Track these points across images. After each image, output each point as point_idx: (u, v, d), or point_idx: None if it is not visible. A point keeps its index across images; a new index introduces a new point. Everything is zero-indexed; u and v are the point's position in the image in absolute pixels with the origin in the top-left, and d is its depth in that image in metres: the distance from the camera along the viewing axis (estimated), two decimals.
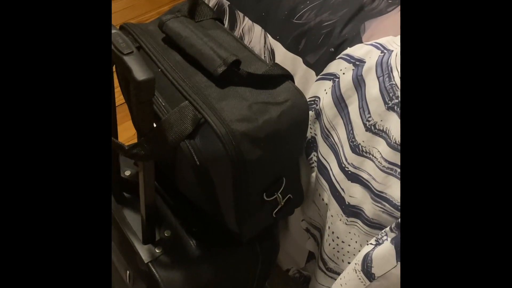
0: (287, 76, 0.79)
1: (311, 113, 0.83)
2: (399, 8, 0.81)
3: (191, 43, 0.77)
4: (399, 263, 0.69)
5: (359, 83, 0.77)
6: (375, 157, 0.76)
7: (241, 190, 0.76)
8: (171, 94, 0.75)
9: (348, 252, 0.85)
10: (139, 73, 0.63)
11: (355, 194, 0.80)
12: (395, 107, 0.73)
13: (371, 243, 0.75)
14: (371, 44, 0.78)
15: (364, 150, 0.77)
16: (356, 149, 0.78)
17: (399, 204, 0.73)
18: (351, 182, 0.80)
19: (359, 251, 0.80)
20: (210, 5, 0.99)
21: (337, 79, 0.80)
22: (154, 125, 0.72)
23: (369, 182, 0.77)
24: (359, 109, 0.77)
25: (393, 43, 0.77)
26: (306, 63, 0.85)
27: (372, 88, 0.75)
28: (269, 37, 0.89)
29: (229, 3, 0.96)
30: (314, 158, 0.87)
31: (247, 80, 0.76)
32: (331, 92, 0.81)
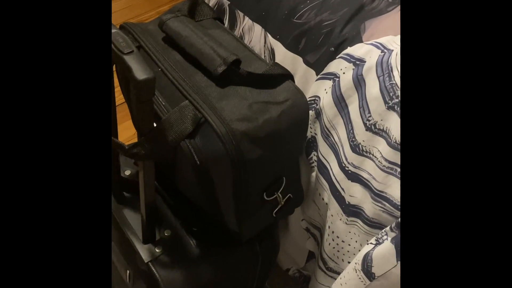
0: (287, 76, 0.79)
1: (311, 112, 0.83)
2: (399, 7, 0.81)
3: (191, 42, 0.77)
4: (399, 262, 0.69)
5: (359, 82, 0.77)
6: (375, 157, 0.76)
7: (241, 190, 0.76)
8: (171, 93, 0.75)
9: (348, 251, 0.85)
10: (140, 73, 0.63)
11: (355, 193, 0.80)
12: (395, 107, 0.73)
13: (371, 243, 0.75)
14: (371, 44, 0.78)
15: (364, 150, 0.77)
16: (356, 148, 0.78)
17: (399, 203, 0.73)
18: (351, 181, 0.80)
19: (359, 250, 0.80)
20: (210, 4, 0.99)
21: (337, 79, 0.80)
22: (154, 124, 0.72)
23: (369, 181, 0.77)
24: (359, 108, 0.77)
25: (393, 42, 0.77)
26: (306, 62, 0.85)
27: (372, 88, 0.75)
28: (269, 37, 0.89)
29: (229, 2, 0.96)
30: (314, 158, 0.87)
31: (247, 80, 0.76)
32: (331, 91, 0.81)
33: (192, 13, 0.86)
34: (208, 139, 0.70)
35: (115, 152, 0.87)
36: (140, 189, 0.77)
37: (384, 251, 0.72)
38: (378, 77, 0.75)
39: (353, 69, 0.78)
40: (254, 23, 0.92)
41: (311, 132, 0.86)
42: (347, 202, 0.81)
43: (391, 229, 0.72)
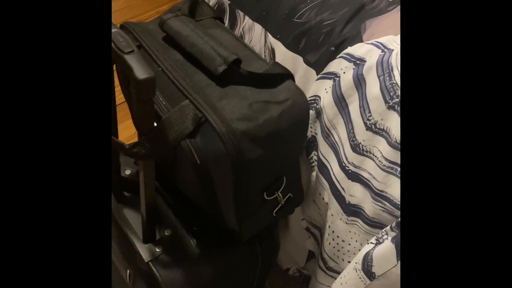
0: (288, 75, 0.79)
1: (311, 112, 0.83)
2: (399, 7, 0.82)
3: (191, 42, 0.77)
4: (399, 262, 0.69)
5: (359, 82, 0.77)
6: (375, 156, 0.76)
7: (242, 189, 0.76)
8: (171, 93, 0.75)
9: (348, 251, 0.85)
10: (140, 72, 0.63)
11: (356, 193, 0.80)
12: (396, 106, 0.73)
13: (371, 242, 0.75)
14: (372, 43, 0.78)
15: (365, 149, 0.77)
16: (356, 148, 0.78)
17: (399, 203, 0.73)
18: (352, 181, 0.80)
19: (359, 250, 0.80)
20: (210, 4, 0.99)
21: (337, 78, 0.80)
22: (155, 124, 0.72)
23: (369, 181, 0.77)
24: (360, 108, 0.77)
25: (394, 42, 0.77)
26: (307, 62, 0.85)
27: (373, 87, 0.75)
28: (270, 36, 0.89)
29: (229, 2, 0.96)
30: (315, 157, 0.87)
31: (247, 79, 0.76)
32: (332, 91, 0.81)
33: (192, 12, 0.86)
34: (208, 138, 0.70)
35: (116, 152, 0.87)
36: (140, 189, 0.77)
37: (385, 251, 0.72)
38: (379, 77, 0.75)
39: (353, 68, 0.78)
40: (255, 23, 0.92)
41: (311, 131, 0.86)
42: (347, 202, 0.81)
43: (391, 228, 0.72)
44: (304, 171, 0.89)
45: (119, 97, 0.84)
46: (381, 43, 0.77)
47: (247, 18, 0.93)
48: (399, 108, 0.72)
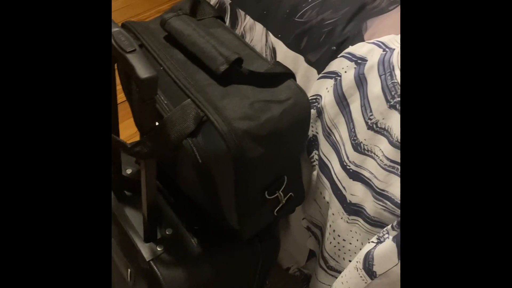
0: (289, 75, 0.79)
1: (312, 111, 0.83)
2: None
3: (193, 41, 0.77)
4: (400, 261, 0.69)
5: (361, 81, 0.77)
6: (376, 155, 0.76)
7: (243, 189, 0.76)
8: (173, 92, 0.75)
9: (349, 250, 0.85)
10: (142, 71, 0.63)
11: (357, 192, 0.80)
12: (397, 106, 0.73)
13: (372, 241, 0.75)
14: (373, 43, 0.78)
15: (366, 149, 0.77)
16: (357, 147, 0.78)
17: None
18: (353, 180, 0.80)
19: (360, 249, 0.80)
20: (211, 3, 0.99)
21: (339, 78, 0.80)
22: (156, 123, 0.72)
23: (370, 180, 0.77)
24: (361, 107, 0.77)
25: (395, 41, 0.77)
26: (308, 61, 0.85)
27: (374, 87, 0.75)
28: (271, 36, 0.89)
29: (230, 1, 0.96)
30: (316, 157, 0.87)
31: (249, 78, 0.76)
32: (333, 90, 0.81)
33: (193, 11, 0.86)
34: (210, 137, 0.71)
35: (117, 151, 0.87)
36: (142, 188, 0.77)
37: (386, 250, 0.72)
38: (380, 76, 0.75)
39: (354, 68, 0.78)
40: (256, 22, 0.92)
41: (312, 131, 0.86)
42: (348, 201, 0.81)
43: (392, 227, 0.73)
44: (305, 170, 0.89)
45: (120, 96, 0.84)
46: (383, 42, 0.77)
47: (248, 17, 0.93)
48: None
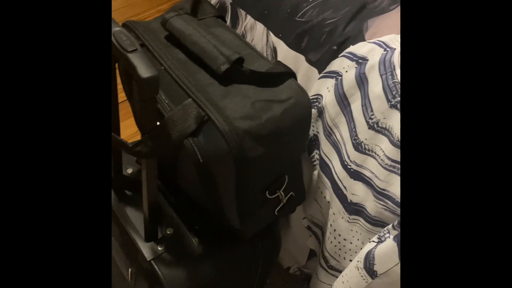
0: (290, 74, 0.79)
1: (313, 111, 0.83)
2: None
3: (194, 40, 0.77)
4: None
5: (362, 81, 0.77)
6: (377, 155, 0.76)
7: (244, 188, 0.76)
8: (174, 92, 0.75)
9: (350, 249, 0.85)
10: (143, 71, 0.63)
11: (358, 191, 0.80)
12: (398, 105, 0.73)
13: (373, 241, 0.75)
14: (374, 42, 0.78)
15: (367, 148, 0.77)
16: (358, 147, 0.78)
17: None
18: (354, 179, 0.80)
19: (361, 248, 0.80)
20: (212, 3, 0.99)
21: (339, 77, 0.80)
22: (158, 123, 0.72)
23: (371, 179, 0.77)
24: (362, 107, 0.77)
25: (396, 41, 0.77)
26: (309, 61, 0.85)
27: (375, 86, 0.75)
28: (272, 35, 0.89)
29: (231, 1, 0.96)
30: (316, 156, 0.87)
31: (250, 78, 0.76)
32: (334, 90, 0.81)
33: (194, 11, 0.86)
34: (211, 137, 0.71)
35: (118, 151, 0.87)
36: (143, 187, 0.77)
37: (387, 249, 0.72)
38: (381, 76, 0.75)
39: (355, 67, 0.78)
40: (256, 22, 0.92)
41: (313, 130, 0.86)
42: (349, 200, 0.81)
43: (393, 227, 0.73)
44: (306, 170, 0.89)
45: (121, 95, 0.84)
46: (383, 42, 0.77)
47: (248, 17, 0.93)
48: None
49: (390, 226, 0.73)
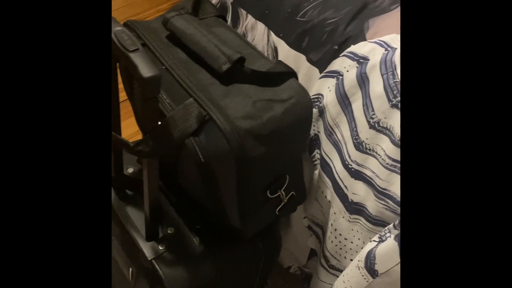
0: (291, 74, 0.79)
1: (314, 110, 0.83)
2: None
3: (195, 40, 0.77)
4: None
5: (363, 80, 0.77)
6: (378, 155, 0.76)
7: (245, 187, 0.76)
8: (175, 91, 0.75)
9: (350, 249, 0.85)
10: (145, 70, 0.63)
11: (358, 191, 0.80)
12: (399, 105, 0.73)
13: (374, 240, 0.75)
14: (375, 42, 0.78)
15: (368, 148, 0.77)
16: (359, 146, 0.78)
17: None
18: (355, 179, 0.80)
19: (362, 248, 0.81)
20: (212, 2, 0.99)
21: (340, 77, 0.80)
22: (159, 122, 0.72)
23: (372, 179, 0.77)
24: (363, 106, 0.77)
25: (397, 40, 0.77)
26: (310, 60, 0.85)
27: (376, 86, 0.75)
28: (272, 35, 0.89)
29: (232, 0, 0.96)
30: (317, 156, 0.87)
31: (251, 78, 0.76)
32: (335, 89, 0.81)
33: (195, 11, 0.86)
34: (212, 136, 0.71)
35: (119, 150, 0.87)
36: (144, 187, 0.78)
37: (388, 249, 0.72)
38: (382, 75, 0.75)
39: (356, 67, 0.78)
40: (257, 21, 0.92)
41: (314, 130, 0.86)
42: (350, 200, 0.82)
43: (394, 226, 0.73)
44: (307, 170, 0.89)
45: (121, 94, 0.84)
46: (384, 41, 0.77)
47: (249, 16, 0.93)
48: None
49: (391, 225, 0.74)
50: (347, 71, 0.79)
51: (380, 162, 0.76)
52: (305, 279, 1.06)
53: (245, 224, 0.82)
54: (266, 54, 0.91)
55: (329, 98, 0.82)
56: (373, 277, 0.75)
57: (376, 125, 0.76)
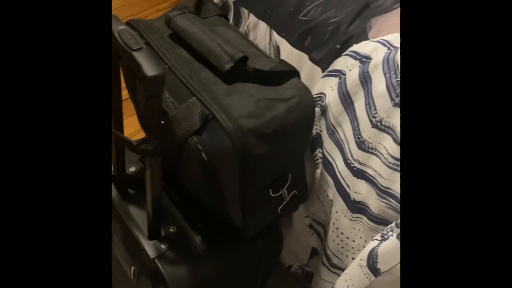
0: (294, 73, 0.79)
1: (316, 109, 0.84)
2: None
3: (198, 39, 0.78)
4: None
5: (365, 79, 0.77)
6: (381, 153, 0.76)
7: (247, 186, 0.76)
8: (178, 90, 0.75)
9: (352, 248, 0.85)
10: (149, 69, 0.64)
11: (361, 190, 0.80)
12: None
13: (376, 239, 0.75)
14: (378, 41, 0.78)
15: (370, 146, 0.78)
16: (362, 145, 0.79)
17: None
18: (357, 178, 0.80)
19: (364, 246, 0.81)
20: (214, 1, 0.99)
21: (343, 76, 0.80)
22: (162, 121, 0.72)
23: (374, 178, 0.78)
24: (365, 105, 0.77)
25: (399, 40, 0.77)
26: (312, 59, 0.85)
27: (379, 85, 0.75)
28: (275, 34, 0.90)
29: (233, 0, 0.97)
30: (319, 155, 0.87)
31: (254, 77, 0.76)
32: (337, 88, 0.81)
33: (198, 10, 0.86)
34: (215, 135, 0.71)
35: (121, 149, 0.87)
36: (146, 185, 0.78)
37: (390, 247, 0.72)
38: (385, 74, 0.75)
39: (359, 66, 0.78)
40: (259, 20, 0.92)
41: (316, 129, 0.86)
42: (352, 199, 0.82)
43: (396, 225, 0.73)
44: (309, 168, 0.89)
45: (123, 93, 0.84)
46: (387, 41, 0.77)
47: (251, 15, 0.93)
48: None
49: (393, 224, 0.74)
50: (350, 70, 0.80)
51: (382, 161, 0.76)
52: (306, 278, 1.07)
53: (247, 222, 0.82)
54: (268, 53, 0.91)
55: (332, 97, 0.82)
56: (375, 276, 0.75)
57: (379, 124, 0.76)
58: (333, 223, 0.87)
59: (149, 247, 0.82)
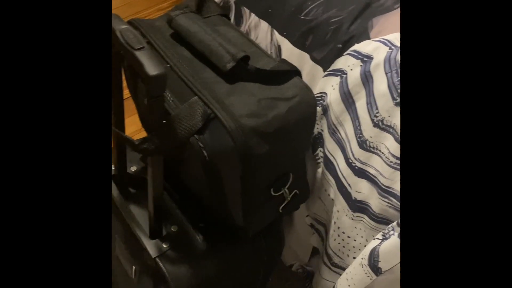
0: (295, 72, 0.79)
1: (318, 109, 0.84)
2: None
3: (200, 39, 0.78)
4: None
5: (367, 79, 0.78)
6: (382, 153, 0.76)
7: (249, 185, 0.76)
8: (180, 89, 0.75)
9: (353, 247, 0.85)
10: (151, 68, 0.64)
11: (362, 189, 0.80)
12: None
13: (377, 238, 0.76)
14: (379, 41, 0.78)
15: (372, 146, 0.78)
16: (363, 144, 0.79)
17: None
18: (358, 177, 0.80)
19: (365, 246, 0.81)
20: (216, 1, 0.99)
21: (344, 75, 0.81)
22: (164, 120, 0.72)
23: (376, 177, 0.78)
24: (367, 105, 0.77)
25: None
26: (313, 59, 0.85)
27: (380, 84, 0.76)
28: (276, 33, 0.90)
29: None
30: (321, 154, 0.87)
31: (255, 76, 0.76)
32: (339, 88, 0.81)
33: (199, 9, 0.86)
34: (217, 134, 0.71)
35: (122, 148, 0.87)
36: (148, 185, 0.78)
37: (391, 246, 0.72)
38: (386, 74, 0.75)
39: (360, 65, 0.79)
40: (261, 20, 0.92)
41: (317, 128, 0.86)
42: (353, 198, 0.82)
43: (397, 224, 0.73)
44: (310, 168, 0.89)
45: (124, 92, 0.84)
46: (388, 40, 0.78)
47: (253, 15, 0.93)
48: None
49: (394, 223, 0.74)
50: (351, 69, 0.80)
51: (384, 160, 0.76)
52: (307, 277, 1.07)
53: (248, 222, 0.82)
54: (269, 53, 0.91)
55: (333, 97, 0.82)
56: (377, 275, 0.75)
57: (380, 123, 0.76)
58: (334, 223, 0.87)
59: (151, 247, 0.82)
